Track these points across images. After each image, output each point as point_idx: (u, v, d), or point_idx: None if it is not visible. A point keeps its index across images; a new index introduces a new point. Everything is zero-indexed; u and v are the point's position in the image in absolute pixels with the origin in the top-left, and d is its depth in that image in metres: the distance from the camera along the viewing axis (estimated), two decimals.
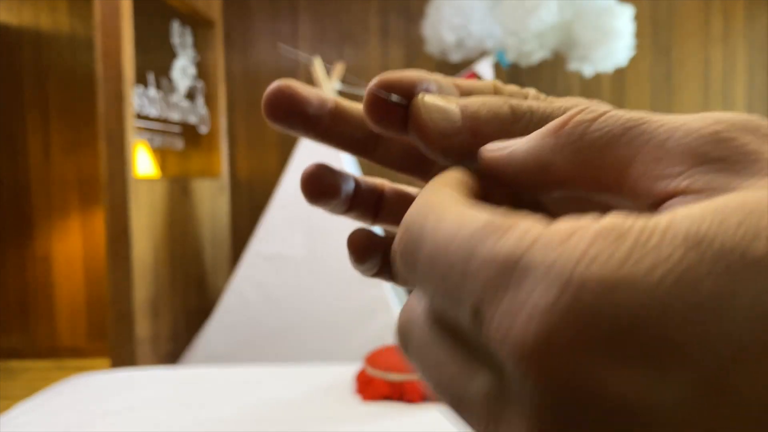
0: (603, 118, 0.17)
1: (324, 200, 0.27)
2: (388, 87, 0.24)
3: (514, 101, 0.23)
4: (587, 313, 0.11)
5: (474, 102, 0.23)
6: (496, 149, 0.20)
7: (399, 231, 0.17)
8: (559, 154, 0.18)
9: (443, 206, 0.16)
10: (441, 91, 0.24)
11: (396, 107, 0.24)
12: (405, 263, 0.17)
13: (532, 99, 0.26)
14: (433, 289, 0.15)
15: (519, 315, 0.12)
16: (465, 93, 0.25)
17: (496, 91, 0.26)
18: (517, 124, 0.22)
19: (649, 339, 0.11)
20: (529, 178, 0.19)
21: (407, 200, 0.30)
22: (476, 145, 0.22)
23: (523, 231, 0.13)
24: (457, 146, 0.22)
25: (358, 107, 0.26)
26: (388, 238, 0.29)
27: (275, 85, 0.25)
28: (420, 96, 0.23)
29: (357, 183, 0.28)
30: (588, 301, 0.11)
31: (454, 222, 0.15)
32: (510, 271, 0.13)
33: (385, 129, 0.24)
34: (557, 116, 0.23)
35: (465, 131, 0.22)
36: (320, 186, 0.27)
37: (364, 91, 0.24)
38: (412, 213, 0.17)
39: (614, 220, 0.12)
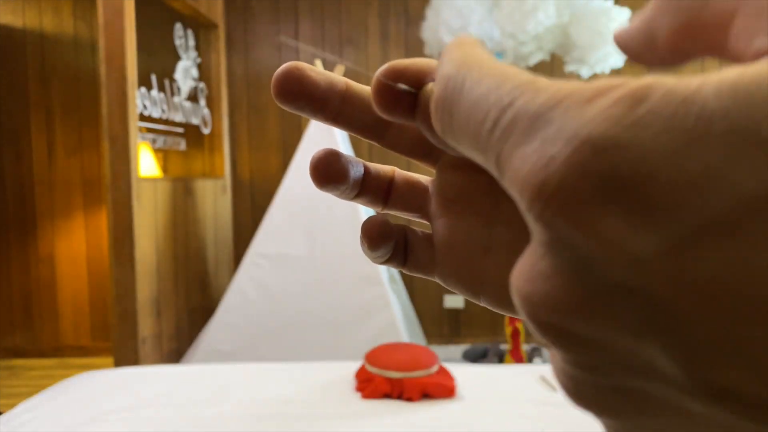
0: None
1: (332, 185, 0.27)
2: (397, 74, 0.24)
3: None
4: (583, 165, 0.12)
5: None
6: (623, 29, 0.19)
7: (437, 85, 0.18)
8: (664, 18, 0.17)
9: (485, 62, 0.16)
10: None
11: (404, 95, 0.24)
12: (443, 116, 0.17)
13: None
14: (465, 141, 0.16)
15: (528, 161, 0.13)
16: None
17: None
18: None
19: (634, 196, 0.12)
20: (646, 54, 0.18)
21: (417, 187, 0.30)
22: None
23: (557, 88, 0.14)
24: None
25: (369, 90, 0.26)
26: (400, 227, 0.29)
27: (285, 66, 0.25)
28: (430, 85, 0.23)
29: (366, 169, 0.29)
30: (586, 154, 0.12)
31: (497, 76, 0.15)
32: (534, 124, 0.14)
33: (393, 117, 0.24)
34: None
35: None
36: (329, 171, 0.27)
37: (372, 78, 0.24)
38: (452, 66, 0.17)
39: (646, 82, 0.12)
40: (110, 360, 3.27)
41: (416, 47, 3.82)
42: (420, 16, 3.64)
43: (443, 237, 0.28)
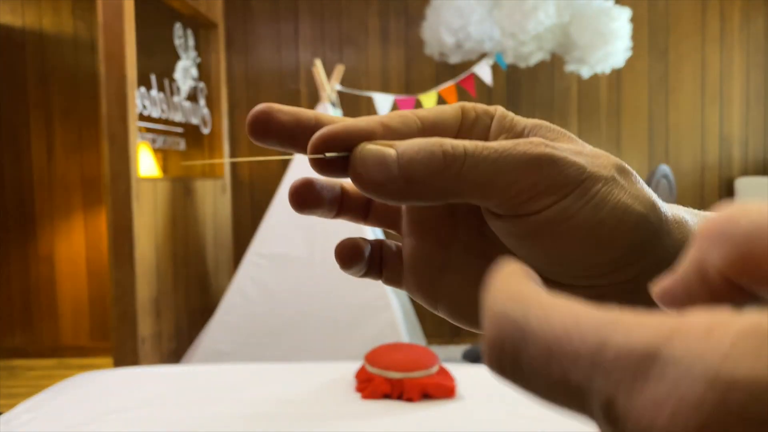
0: (749, 211, 0.16)
1: (309, 210, 0.30)
2: (327, 142, 0.26)
3: (450, 144, 0.25)
4: (738, 413, 0.11)
5: (410, 147, 0.25)
6: (659, 283, 0.20)
7: (490, 323, 0.16)
8: (715, 251, 0.17)
9: (545, 298, 0.15)
10: (400, 129, 0.26)
11: (335, 160, 0.26)
12: (505, 359, 0.15)
13: (497, 121, 0.27)
14: (546, 386, 0.14)
15: (663, 408, 0.12)
16: (428, 126, 0.27)
17: (463, 114, 0.27)
18: (450, 168, 0.24)
19: None
20: (698, 290, 0.18)
21: (392, 206, 0.33)
22: (411, 191, 0.25)
23: (658, 323, 0.13)
24: (393, 193, 0.25)
25: (338, 120, 0.28)
26: (376, 243, 0.33)
27: (255, 108, 0.28)
28: (360, 146, 0.26)
29: (344, 189, 0.32)
30: (738, 400, 0.11)
31: (569, 314, 0.14)
32: (650, 362, 0.13)
33: (331, 177, 0.27)
34: (493, 158, 0.24)
35: (399, 179, 0.25)
36: (304, 198, 0.30)
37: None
38: (505, 303, 0.16)
39: (755, 318, 0.12)
40: (110, 360, 3.27)
41: (416, 47, 3.81)
42: (420, 16, 3.64)
43: (408, 253, 0.32)
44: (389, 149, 0.25)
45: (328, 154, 0.26)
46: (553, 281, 0.28)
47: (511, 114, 0.28)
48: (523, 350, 0.15)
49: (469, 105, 0.28)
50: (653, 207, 0.26)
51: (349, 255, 0.31)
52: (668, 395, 0.12)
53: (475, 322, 0.30)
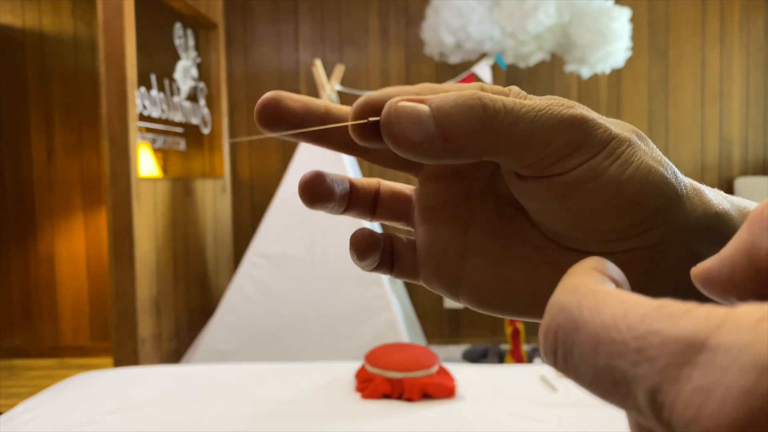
0: None
1: (320, 204, 0.30)
2: (370, 107, 0.25)
3: (489, 98, 0.24)
4: None
5: (446, 101, 0.24)
6: (700, 265, 0.19)
7: (547, 313, 0.16)
8: (765, 235, 0.17)
9: (599, 290, 0.15)
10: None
11: (375, 125, 0.26)
12: (558, 347, 0.15)
13: (513, 96, 0.27)
14: (593, 374, 0.14)
15: (712, 395, 0.12)
16: None
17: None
18: (491, 123, 0.23)
19: None
20: (745, 274, 0.18)
21: (401, 197, 0.33)
22: (449, 149, 0.24)
23: (706, 313, 0.13)
24: (431, 152, 0.24)
25: (347, 111, 0.28)
26: (386, 236, 0.32)
27: (265, 96, 0.27)
28: (392, 101, 0.24)
29: (352, 184, 0.31)
30: None
31: (619, 304, 0.14)
32: (696, 351, 0.12)
33: (370, 144, 0.26)
34: (531, 117, 0.24)
35: (438, 138, 0.23)
36: (315, 192, 0.29)
37: (356, 102, 0.26)
38: (562, 295, 0.16)
39: None
40: (110, 360, 3.27)
41: (416, 47, 3.81)
42: (420, 16, 3.64)
43: (424, 243, 0.31)
44: (421, 105, 0.24)
45: (371, 119, 0.25)
46: (574, 249, 0.28)
47: (524, 92, 0.27)
48: (574, 339, 0.15)
49: (486, 85, 0.27)
50: (672, 170, 0.26)
51: (366, 245, 0.31)
52: (716, 383, 0.12)
53: (499, 306, 0.29)
